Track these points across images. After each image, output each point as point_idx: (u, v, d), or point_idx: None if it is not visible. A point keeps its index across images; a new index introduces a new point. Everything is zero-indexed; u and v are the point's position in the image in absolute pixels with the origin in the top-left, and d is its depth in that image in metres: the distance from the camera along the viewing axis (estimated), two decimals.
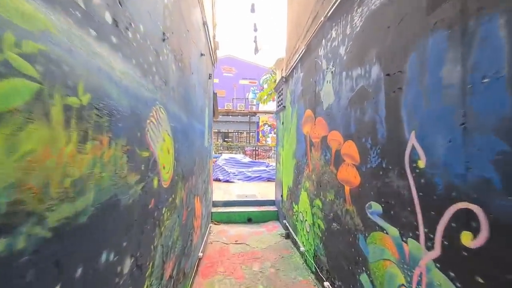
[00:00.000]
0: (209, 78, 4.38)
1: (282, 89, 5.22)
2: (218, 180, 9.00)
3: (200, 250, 3.52)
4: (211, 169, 5.24)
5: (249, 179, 8.95)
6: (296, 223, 3.97)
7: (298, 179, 3.83)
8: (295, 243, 4.09)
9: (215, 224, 5.26)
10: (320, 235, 2.85)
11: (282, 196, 5.13)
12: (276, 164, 5.93)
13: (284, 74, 4.87)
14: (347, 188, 2.20)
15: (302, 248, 3.50)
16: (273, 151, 17.56)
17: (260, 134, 22.99)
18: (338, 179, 2.38)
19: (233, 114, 22.01)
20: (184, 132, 2.35)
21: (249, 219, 5.52)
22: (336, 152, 2.43)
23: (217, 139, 22.24)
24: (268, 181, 9.07)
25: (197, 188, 3.21)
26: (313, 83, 3.14)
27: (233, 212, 5.51)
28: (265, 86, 8.68)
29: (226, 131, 23.16)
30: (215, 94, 4.87)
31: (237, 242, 4.29)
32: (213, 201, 5.87)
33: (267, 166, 10.18)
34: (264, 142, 22.21)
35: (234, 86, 24.13)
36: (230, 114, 21.92)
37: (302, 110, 3.64)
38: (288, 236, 4.53)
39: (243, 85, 24.40)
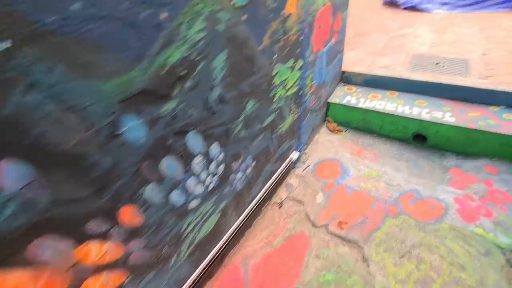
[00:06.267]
0: None
1: None
2: (393, 3, 4.62)
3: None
4: None
5: (473, 3, 3.92)
6: None
7: None
8: None
9: (330, 127, 2.42)
10: None
11: None
12: None
13: None
14: None
15: None
16: None
17: None
18: None
19: None
20: None
21: (418, 137, 2.18)
22: None
23: None
24: None
25: None
26: None
27: (378, 112, 2.25)
28: None
29: None
30: None
31: (344, 238, 1.58)
32: (342, 72, 2.63)
33: None
34: None
35: None
36: None
37: None
38: None
39: None
